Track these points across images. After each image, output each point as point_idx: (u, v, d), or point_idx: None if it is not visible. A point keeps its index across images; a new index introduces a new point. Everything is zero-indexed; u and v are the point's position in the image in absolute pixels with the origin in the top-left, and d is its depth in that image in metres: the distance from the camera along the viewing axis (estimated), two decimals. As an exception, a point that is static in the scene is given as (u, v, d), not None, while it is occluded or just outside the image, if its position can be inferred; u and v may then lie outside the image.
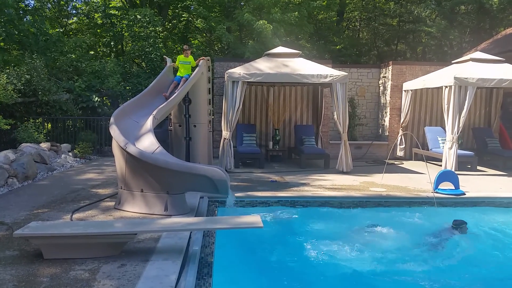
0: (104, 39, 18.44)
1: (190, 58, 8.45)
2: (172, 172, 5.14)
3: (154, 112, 6.41)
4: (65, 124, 11.66)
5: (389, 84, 12.01)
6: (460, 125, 9.07)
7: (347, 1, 22.54)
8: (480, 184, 8.18)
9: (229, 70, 9.22)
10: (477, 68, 9.61)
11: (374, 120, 12.88)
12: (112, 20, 17.14)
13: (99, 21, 18.17)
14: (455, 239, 5.49)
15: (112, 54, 19.15)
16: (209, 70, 8.72)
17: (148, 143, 5.71)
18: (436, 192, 6.95)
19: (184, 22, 19.74)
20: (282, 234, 5.57)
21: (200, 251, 4.16)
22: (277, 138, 10.77)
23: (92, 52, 17.19)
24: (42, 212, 5.26)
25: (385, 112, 12.25)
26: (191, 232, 4.43)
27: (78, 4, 19.18)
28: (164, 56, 9.46)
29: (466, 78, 9.01)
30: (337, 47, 20.41)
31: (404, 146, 11.63)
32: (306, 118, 11.72)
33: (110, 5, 18.21)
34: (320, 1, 17.43)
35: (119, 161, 5.49)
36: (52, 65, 12.92)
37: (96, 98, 12.01)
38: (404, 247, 5.20)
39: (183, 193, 5.39)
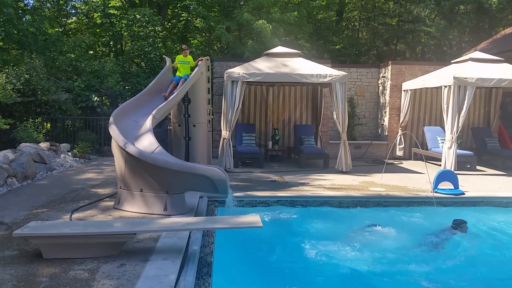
0: (104, 39, 18.44)
1: (189, 58, 8.45)
2: (172, 172, 5.14)
3: (154, 112, 6.40)
4: (64, 123, 11.65)
5: (388, 84, 12.02)
6: (460, 124, 9.08)
7: (346, 1, 22.54)
8: (479, 183, 8.18)
9: (229, 70, 9.21)
10: (476, 68, 9.61)
11: (373, 120, 12.89)
12: (112, 20, 17.14)
13: (98, 21, 18.16)
14: (454, 238, 5.49)
15: (111, 53, 19.15)
16: (208, 70, 8.72)
17: (147, 142, 5.71)
18: (436, 192, 6.96)
19: (183, 22, 19.74)
20: (282, 234, 5.57)
21: (200, 250, 4.15)
22: (277, 138, 10.78)
23: (91, 52, 17.18)
24: (42, 212, 5.26)
25: (385, 112, 12.26)
26: (190, 232, 4.43)
27: (78, 4, 19.19)
28: (164, 56, 9.46)
29: (465, 78, 9.02)
30: (337, 46, 20.42)
31: (403, 145, 11.64)
32: (305, 118, 11.73)
33: (110, 5, 18.19)
34: (320, 0, 17.42)
35: (119, 160, 5.49)
36: (51, 65, 12.91)
37: (96, 98, 12.00)
38: (403, 246, 5.20)
39: (183, 193, 5.39)
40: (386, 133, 12.10)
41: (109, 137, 6.35)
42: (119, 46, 19.20)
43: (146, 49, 14.13)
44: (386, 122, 12.16)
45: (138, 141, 5.81)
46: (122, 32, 16.00)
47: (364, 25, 25.17)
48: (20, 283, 3.20)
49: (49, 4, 17.87)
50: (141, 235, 4.26)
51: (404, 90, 11.64)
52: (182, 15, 19.18)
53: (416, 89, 11.35)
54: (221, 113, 9.79)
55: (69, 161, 9.49)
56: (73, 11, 19.45)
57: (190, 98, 8.15)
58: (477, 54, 10.43)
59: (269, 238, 5.33)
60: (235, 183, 7.49)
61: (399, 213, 6.39)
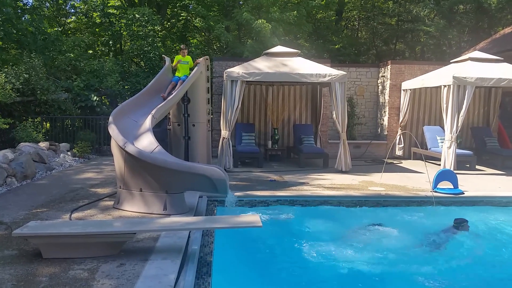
0: (103, 38, 18.42)
1: (188, 57, 8.44)
2: (171, 172, 5.13)
3: (153, 111, 6.40)
4: (63, 123, 11.64)
5: (387, 84, 12.02)
6: (459, 124, 9.08)
7: (345, 0, 22.56)
8: (479, 183, 8.19)
9: (228, 70, 9.21)
10: (476, 67, 9.62)
11: (373, 119, 12.89)
12: (111, 19, 17.12)
13: (98, 20, 18.13)
14: (453, 238, 5.50)
15: (111, 53, 19.14)
16: (208, 69, 8.71)
17: (147, 142, 5.71)
18: (435, 191, 6.96)
19: (182, 21, 19.73)
20: (281, 234, 5.57)
21: (199, 250, 4.15)
22: (276, 137, 10.78)
23: (90, 51, 17.17)
24: (41, 211, 5.26)
25: (384, 112, 12.26)
26: (190, 232, 4.43)
27: (77, 3, 19.16)
28: (163, 55, 9.45)
29: (465, 78, 9.02)
30: (336, 46, 20.42)
31: (403, 145, 11.64)
32: (305, 118, 11.73)
33: (109, 4, 18.16)
34: (319, 0, 17.42)
35: (118, 160, 5.48)
36: (50, 64, 12.90)
37: (95, 98, 11.99)
38: (403, 246, 5.21)
39: (182, 192, 5.39)
40: (386, 133, 12.10)
41: (108, 137, 6.34)
42: (118, 45, 19.17)
43: (146, 48, 14.12)
44: (385, 122, 12.17)
45: (137, 140, 5.80)
46: (121, 31, 15.98)
47: (363, 24, 25.17)
48: (19, 282, 3.20)
49: (48, 4, 17.86)
50: (140, 234, 4.26)
51: (404, 90, 11.65)
52: (182, 14, 19.16)
53: (415, 88, 11.36)
54: (220, 112, 9.78)
55: (69, 161, 9.49)
56: (72, 10, 19.45)
57: (189, 97, 8.15)
58: (477, 54, 10.44)
59: (268, 237, 5.33)
60: (234, 182, 7.49)
61: (398, 212, 6.40)
